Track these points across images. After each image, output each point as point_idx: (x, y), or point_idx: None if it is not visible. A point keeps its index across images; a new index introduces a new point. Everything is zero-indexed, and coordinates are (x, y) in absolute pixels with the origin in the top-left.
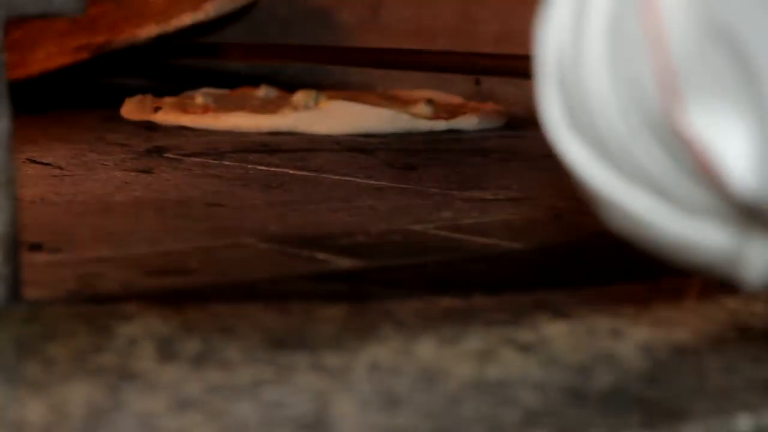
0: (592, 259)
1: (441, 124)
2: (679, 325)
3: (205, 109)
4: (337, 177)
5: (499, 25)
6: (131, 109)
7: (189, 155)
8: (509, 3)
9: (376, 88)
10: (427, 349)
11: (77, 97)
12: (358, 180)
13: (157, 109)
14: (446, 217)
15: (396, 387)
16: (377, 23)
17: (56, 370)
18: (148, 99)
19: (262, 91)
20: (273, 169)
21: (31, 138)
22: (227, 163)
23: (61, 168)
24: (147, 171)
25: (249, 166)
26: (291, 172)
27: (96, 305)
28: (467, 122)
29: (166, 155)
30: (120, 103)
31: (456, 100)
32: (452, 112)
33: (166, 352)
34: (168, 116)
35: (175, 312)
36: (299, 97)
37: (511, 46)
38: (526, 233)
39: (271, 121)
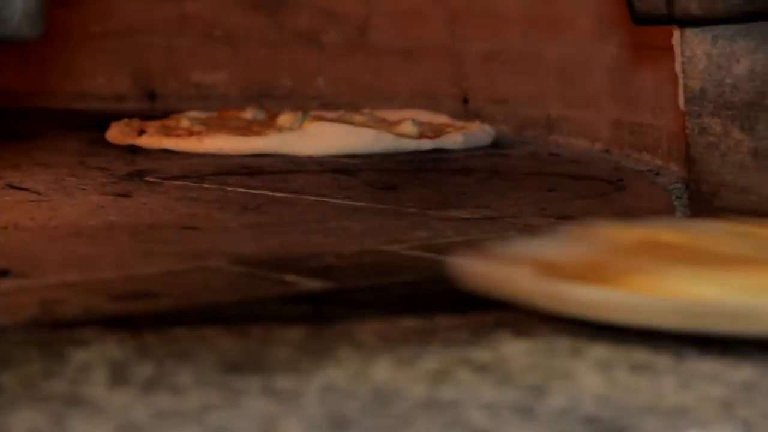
0: None
1: (426, 143)
2: (639, 342)
3: (190, 132)
4: (315, 198)
5: (486, 44)
6: (116, 133)
7: (169, 178)
8: (495, 22)
9: (363, 108)
10: (382, 370)
11: (63, 122)
12: (336, 201)
13: (141, 132)
14: (420, 237)
15: (347, 409)
16: (365, 43)
17: (2, 398)
18: (134, 123)
19: (249, 113)
20: (252, 191)
21: (13, 163)
22: (206, 185)
23: (38, 193)
24: (125, 195)
25: (228, 188)
26: (270, 194)
27: (53, 331)
28: (452, 141)
29: (146, 179)
30: (106, 126)
31: (442, 119)
32: (438, 131)
33: (118, 377)
34: (152, 140)
35: (132, 336)
36: (284, 118)
37: (497, 64)
38: None
39: (254, 143)
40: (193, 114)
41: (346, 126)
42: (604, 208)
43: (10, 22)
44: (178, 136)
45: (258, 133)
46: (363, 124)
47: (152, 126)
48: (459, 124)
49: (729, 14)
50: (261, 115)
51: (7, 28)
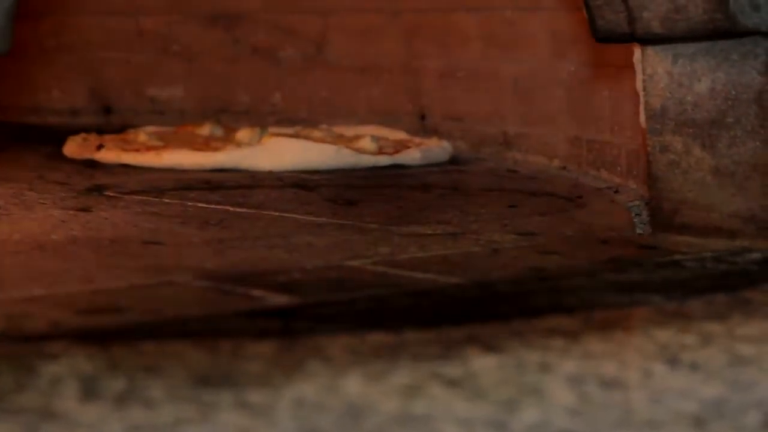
0: (526, 292)
1: (384, 159)
2: (608, 358)
3: (148, 147)
4: (277, 213)
5: (444, 61)
6: (74, 148)
7: (129, 193)
8: (453, 39)
9: (321, 125)
10: (354, 384)
11: (19, 136)
12: (298, 216)
13: (99, 147)
14: (384, 253)
15: (320, 423)
16: (322, 59)
17: None
18: (91, 137)
19: (207, 129)
20: (213, 206)
21: None
22: (167, 200)
23: None
24: (85, 209)
25: (189, 203)
26: (231, 209)
27: (22, 345)
28: (411, 157)
29: (106, 193)
30: (63, 141)
31: (401, 135)
32: (397, 147)
33: (90, 391)
34: (110, 154)
35: (101, 350)
36: (243, 134)
37: (455, 81)
38: (463, 268)
39: (213, 158)
40: (150, 129)
41: (306, 141)
42: (564, 224)
43: None
44: (137, 150)
45: (217, 149)
46: (321, 140)
47: (110, 141)
48: (417, 140)
49: (691, 33)
50: (219, 131)
51: None
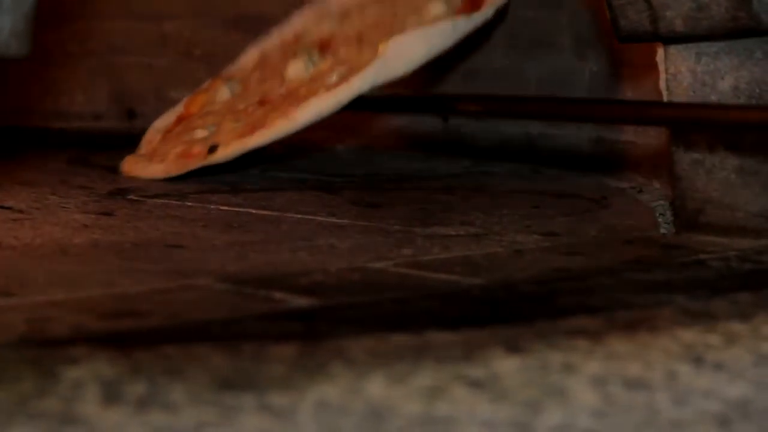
0: (549, 293)
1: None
2: (632, 359)
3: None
4: (299, 216)
5: (466, 61)
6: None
7: (152, 197)
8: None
9: None
10: (376, 386)
11: (42, 140)
12: (321, 219)
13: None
14: (407, 254)
15: (342, 426)
16: None
17: None
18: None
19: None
20: (235, 209)
21: None
22: (190, 204)
23: (21, 212)
24: (108, 213)
25: (211, 206)
26: (253, 211)
27: (43, 349)
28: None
29: (128, 197)
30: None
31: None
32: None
33: (111, 395)
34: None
35: (122, 354)
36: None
37: (477, 82)
38: (486, 269)
39: (349, 89)
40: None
41: (420, 29)
42: (588, 224)
43: None
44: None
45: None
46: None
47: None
48: None
49: (713, 31)
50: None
51: None
